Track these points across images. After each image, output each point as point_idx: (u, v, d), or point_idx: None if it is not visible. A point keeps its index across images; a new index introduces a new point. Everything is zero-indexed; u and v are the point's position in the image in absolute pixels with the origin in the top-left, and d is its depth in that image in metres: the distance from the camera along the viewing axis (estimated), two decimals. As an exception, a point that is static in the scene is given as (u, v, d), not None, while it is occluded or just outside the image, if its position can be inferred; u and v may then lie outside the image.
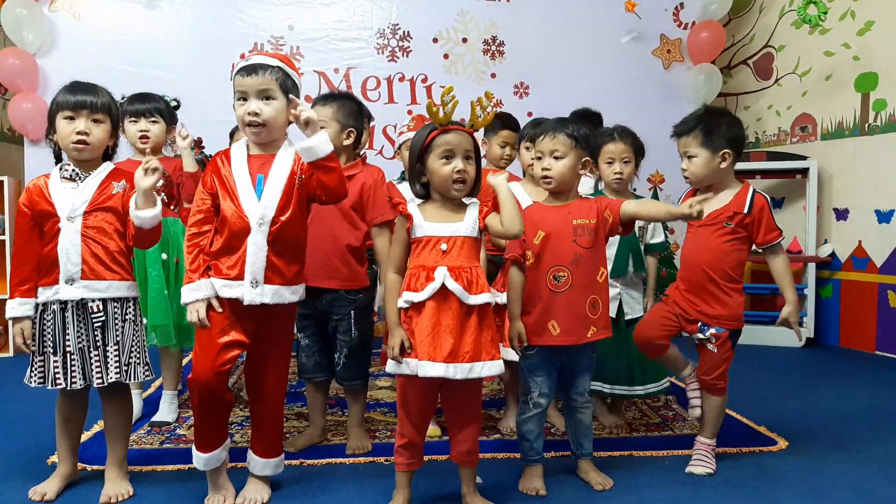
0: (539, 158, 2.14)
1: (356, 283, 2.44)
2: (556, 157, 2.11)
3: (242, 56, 2.12)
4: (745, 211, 2.25)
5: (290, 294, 1.99)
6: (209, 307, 1.93)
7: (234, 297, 1.93)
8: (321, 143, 1.89)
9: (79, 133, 1.98)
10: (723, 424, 2.77)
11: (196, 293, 1.92)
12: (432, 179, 1.91)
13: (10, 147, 4.63)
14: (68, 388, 1.97)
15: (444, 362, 1.80)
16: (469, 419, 1.96)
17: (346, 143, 2.46)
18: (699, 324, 2.29)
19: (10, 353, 4.11)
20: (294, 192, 1.98)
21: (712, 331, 2.28)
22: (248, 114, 1.94)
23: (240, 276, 1.93)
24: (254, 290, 1.92)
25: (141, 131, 2.65)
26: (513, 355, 2.50)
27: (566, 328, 2.08)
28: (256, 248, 1.93)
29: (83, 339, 1.97)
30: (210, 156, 3.25)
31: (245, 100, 1.96)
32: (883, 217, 4.36)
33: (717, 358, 2.30)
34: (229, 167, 1.99)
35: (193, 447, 2.02)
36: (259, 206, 1.94)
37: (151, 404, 2.89)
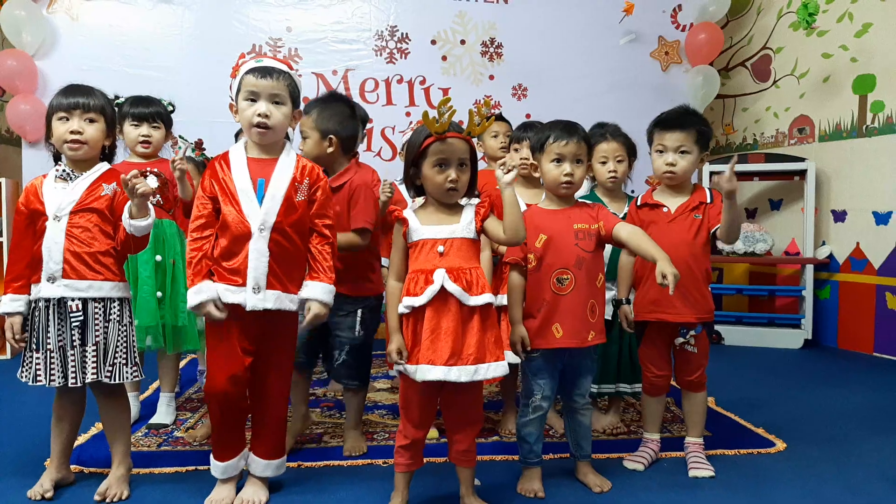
0: (558, 161, 2.12)
1: (364, 290, 2.43)
2: (578, 162, 2.12)
3: (242, 56, 2.10)
4: (708, 201, 2.31)
5: (290, 303, 1.99)
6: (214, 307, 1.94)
7: (236, 302, 1.93)
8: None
9: (72, 132, 1.99)
10: (721, 426, 2.79)
11: (200, 296, 1.92)
12: (426, 185, 1.92)
13: (8, 149, 4.63)
14: (48, 384, 1.98)
15: (445, 365, 1.80)
16: (469, 421, 1.95)
17: (329, 150, 2.39)
18: (680, 329, 2.29)
19: (8, 356, 4.10)
20: (294, 199, 1.98)
21: (692, 332, 2.28)
22: (259, 115, 1.95)
23: (242, 282, 1.93)
24: (256, 296, 1.93)
25: (143, 136, 2.65)
26: (512, 358, 2.50)
27: (569, 330, 2.07)
28: (258, 254, 1.93)
29: (63, 338, 1.98)
30: (210, 159, 3.25)
31: (254, 101, 1.96)
32: (881, 219, 4.37)
33: (699, 356, 2.32)
34: (229, 171, 1.99)
35: (211, 455, 2.04)
36: (260, 211, 1.94)
37: (149, 407, 2.88)
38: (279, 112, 1.97)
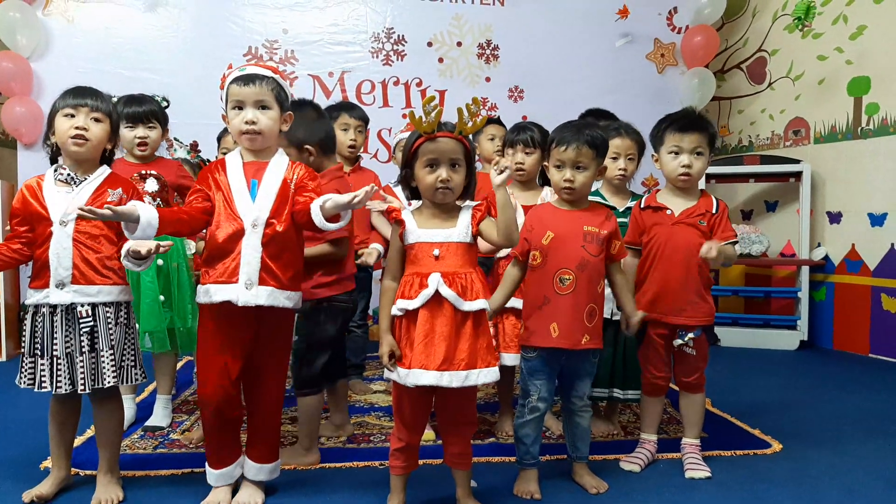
0: (559, 167, 2.12)
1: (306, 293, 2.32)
2: (578, 168, 2.11)
3: (230, 66, 2.11)
4: (714, 211, 2.31)
5: (285, 299, 1.99)
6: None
7: (227, 299, 1.93)
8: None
9: (77, 128, 1.98)
10: (717, 427, 2.79)
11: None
12: (419, 186, 1.92)
13: (4, 151, 4.61)
14: (54, 391, 1.97)
15: (438, 370, 1.79)
16: (463, 424, 1.95)
17: (311, 159, 2.37)
18: (678, 331, 2.30)
19: (4, 358, 4.09)
20: (288, 196, 1.99)
21: (690, 335, 2.29)
22: (246, 122, 1.97)
23: (233, 279, 1.93)
24: (248, 292, 1.92)
25: (139, 138, 2.63)
26: (508, 360, 2.50)
27: (565, 331, 2.07)
28: (251, 250, 1.93)
29: (71, 344, 1.97)
30: (207, 160, 3.24)
31: (241, 109, 1.98)
32: (876, 220, 4.38)
33: (697, 358, 2.33)
34: (225, 173, 2.01)
35: (206, 463, 2.05)
36: (253, 207, 1.96)
37: (145, 409, 2.88)
38: (265, 117, 1.99)
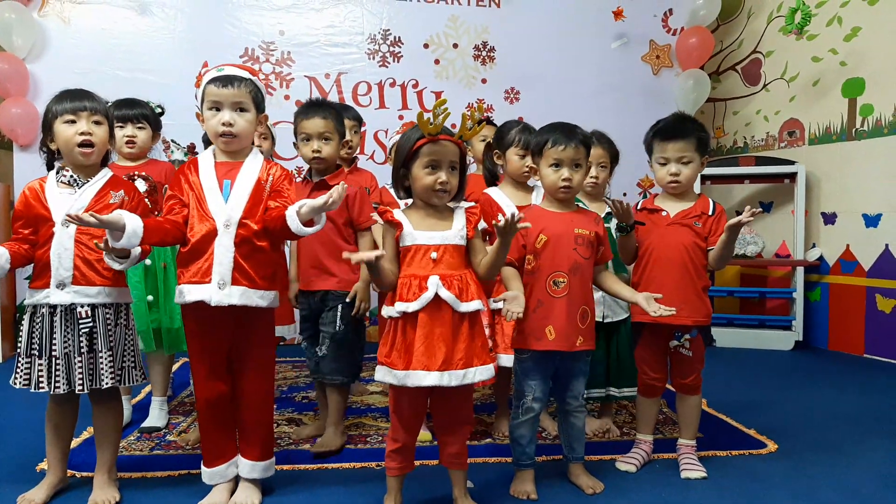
0: (556, 166, 2.13)
1: (347, 286, 2.48)
2: (576, 167, 2.12)
3: (205, 65, 2.13)
4: (710, 213, 2.32)
5: (259, 298, 1.99)
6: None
7: (200, 298, 1.93)
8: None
9: (82, 133, 1.97)
10: (713, 428, 2.80)
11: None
12: (414, 186, 1.93)
13: (0, 152, 4.60)
14: (51, 392, 1.97)
15: (439, 371, 1.80)
16: (459, 423, 1.96)
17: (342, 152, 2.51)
18: (674, 332, 2.31)
19: (0, 360, 4.09)
20: (262, 197, 2.00)
21: (686, 336, 2.30)
22: (223, 124, 1.98)
23: (206, 279, 1.94)
24: (221, 292, 1.93)
25: (127, 136, 2.65)
26: (506, 362, 2.51)
27: (561, 334, 2.08)
28: (224, 249, 1.95)
29: (69, 345, 1.97)
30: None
31: (218, 110, 2.00)
32: (870, 221, 4.40)
33: (694, 360, 2.33)
34: (197, 174, 2.02)
35: (202, 462, 2.09)
36: (226, 208, 1.97)
37: (141, 410, 2.87)
38: (243, 119, 2.01)
